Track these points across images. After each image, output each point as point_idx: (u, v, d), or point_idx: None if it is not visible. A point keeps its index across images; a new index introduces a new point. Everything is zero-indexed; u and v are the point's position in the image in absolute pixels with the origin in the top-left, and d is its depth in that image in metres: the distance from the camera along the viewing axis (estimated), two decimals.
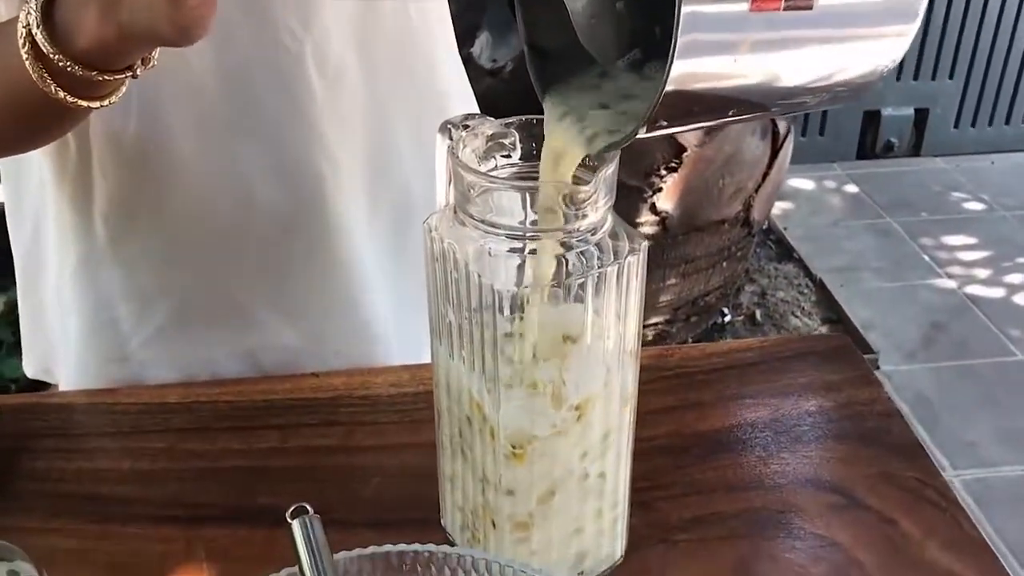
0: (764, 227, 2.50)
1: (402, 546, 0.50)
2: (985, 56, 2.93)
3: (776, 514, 0.65)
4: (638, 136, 0.43)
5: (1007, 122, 3.04)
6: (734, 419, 0.73)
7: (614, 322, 0.51)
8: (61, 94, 0.54)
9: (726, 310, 2.28)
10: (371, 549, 0.50)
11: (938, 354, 2.19)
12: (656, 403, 0.73)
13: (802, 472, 0.68)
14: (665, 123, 0.42)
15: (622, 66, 0.50)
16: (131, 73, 0.55)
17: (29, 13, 0.52)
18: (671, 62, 0.38)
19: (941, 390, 2.08)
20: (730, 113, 0.45)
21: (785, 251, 2.57)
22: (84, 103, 0.55)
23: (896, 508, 0.65)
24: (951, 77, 2.95)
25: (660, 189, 1.86)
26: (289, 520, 0.49)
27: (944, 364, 2.16)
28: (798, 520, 0.65)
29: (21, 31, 0.52)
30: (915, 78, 2.93)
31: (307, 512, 0.50)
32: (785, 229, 2.64)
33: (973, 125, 3.04)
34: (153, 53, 0.56)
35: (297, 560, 0.47)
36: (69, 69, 0.52)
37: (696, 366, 0.79)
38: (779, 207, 2.70)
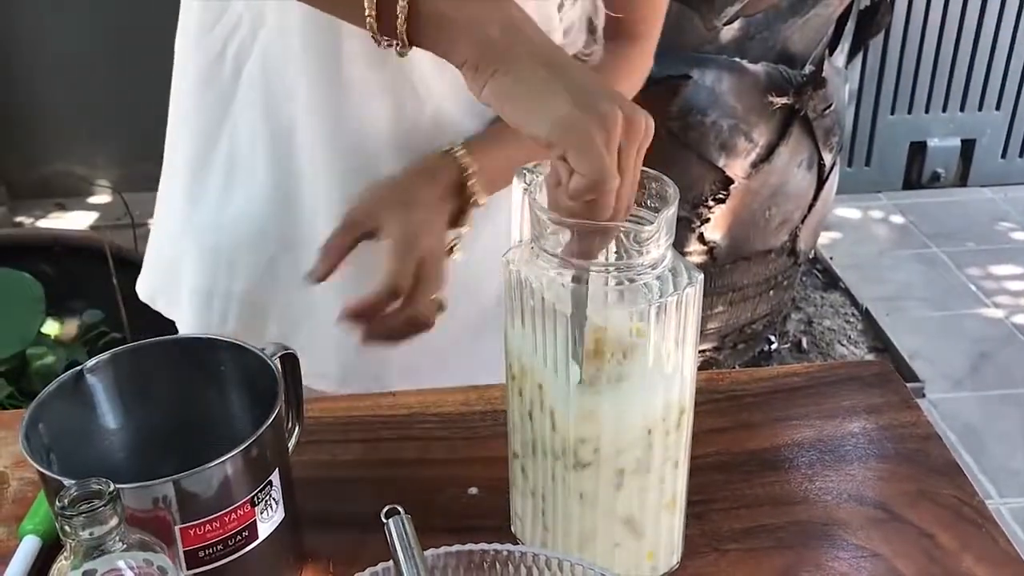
0: (810, 256, 2.54)
1: (483, 545, 0.56)
2: None
3: (820, 527, 0.70)
4: None
5: None
6: (781, 439, 0.78)
7: (673, 347, 0.57)
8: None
9: (773, 338, 2.32)
10: (456, 547, 0.56)
11: (984, 383, 2.21)
12: (708, 424, 0.79)
13: (845, 488, 0.73)
14: None
15: None
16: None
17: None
18: None
19: (987, 418, 2.10)
20: None
21: (831, 280, 2.60)
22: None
23: (934, 523, 0.70)
24: (998, 108, 2.97)
25: (708, 220, 1.91)
26: (384, 520, 0.56)
27: (991, 393, 2.18)
28: (841, 532, 0.70)
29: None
30: (961, 109, 2.95)
31: (399, 513, 0.56)
32: (831, 259, 2.67)
33: (1020, 155, 3.05)
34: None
35: (393, 554, 0.54)
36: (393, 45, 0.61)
37: (745, 390, 0.84)
38: (825, 236, 2.73)
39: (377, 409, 0.82)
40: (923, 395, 2.15)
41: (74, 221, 2.90)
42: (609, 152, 0.53)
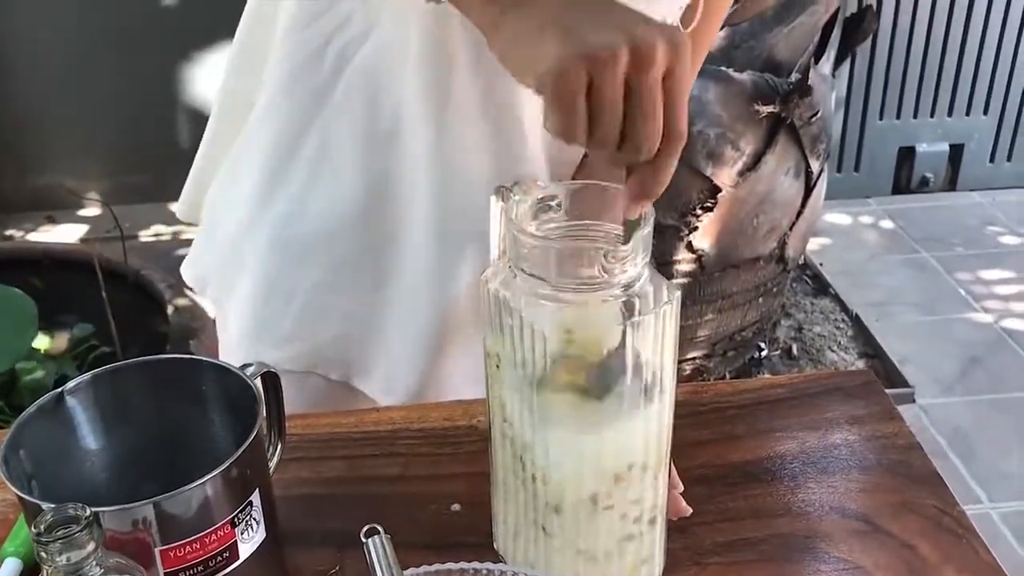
0: (800, 262, 2.54)
1: (463, 564, 0.56)
2: (1019, 92, 2.95)
3: (803, 539, 0.71)
4: None
5: None
6: (764, 451, 0.79)
7: (655, 363, 0.57)
8: None
9: (763, 345, 2.32)
10: (435, 566, 0.56)
11: (975, 387, 2.21)
12: (691, 436, 0.79)
13: (828, 500, 0.74)
14: None
15: None
16: None
17: None
18: None
19: (978, 423, 2.10)
20: None
21: (821, 286, 2.60)
22: None
23: (916, 535, 0.71)
24: (985, 113, 2.98)
25: (696, 228, 1.91)
26: (363, 539, 0.56)
27: (981, 397, 2.18)
28: (823, 545, 0.70)
29: None
30: (949, 115, 2.96)
31: (379, 532, 0.56)
32: (821, 264, 2.67)
33: (1009, 159, 3.06)
34: None
35: (372, 574, 0.54)
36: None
37: (728, 401, 0.84)
38: (815, 242, 2.73)
39: (361, 425, 0.82)
40: (913, 400, 2.16)
41: (64, 234, 2.90)
42: (602, 93, 0.52)
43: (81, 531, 0.48)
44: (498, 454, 0.64)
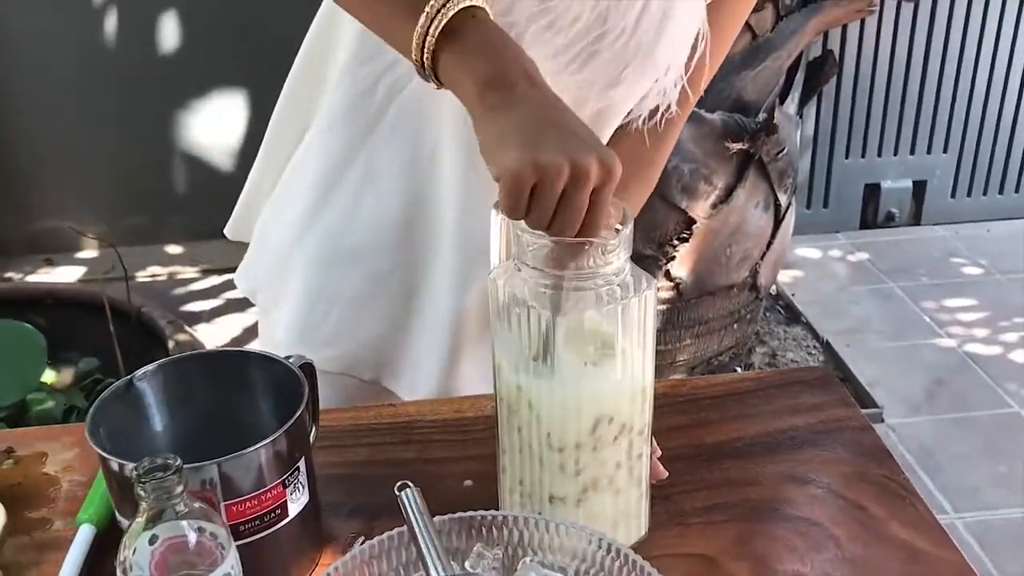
0: (773, 293, 2.67)
1: (481, 512, 0.67)
2: (976, 131, 3.12)
3: (769, 503, 0.81)
4: None
5: (1000, 192, 3.22)
6: (736, 433, 0.90)
7: (636, 339, 0.68)
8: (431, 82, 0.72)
9: (739, 369, 2.44)
10: (458, 514, 0.66)
11: (940, 407, 2.34)
12: (672, 421, 0.90)
13: (790, 472, 0.85)
14: None
15: None
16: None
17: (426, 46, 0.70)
18: None
19: (943, 440, 2.22)
20: None
21: (793, 315, 2.73)
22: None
23: (866, 497, 0.82)
24: (945, 151, 3.14)
25: (673, 258, 2.04)
26: (397, 492, 0.66)
27: (945, 416, 2.30)
28: (787, 507, 0.81)
29: (416, 48, 0.70)
30: (911, 153, 3.12)
31: (409, 486, 0.67)
32: (793, 295, 2.80)
33: (969, 195, 3.22)
34: None
35: (407, 520, 0.64)
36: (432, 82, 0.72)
37: (704, 393, 0.96)
38: (787, 274, 2.87)
39: (380, 418, 0.92)
40: (882, 420, 2.27)
41: (62, 276, 2.99)
42: (542, 196, 0.63)
43: (172, 474, 0.58)
44: (504, 430, 0.74)
